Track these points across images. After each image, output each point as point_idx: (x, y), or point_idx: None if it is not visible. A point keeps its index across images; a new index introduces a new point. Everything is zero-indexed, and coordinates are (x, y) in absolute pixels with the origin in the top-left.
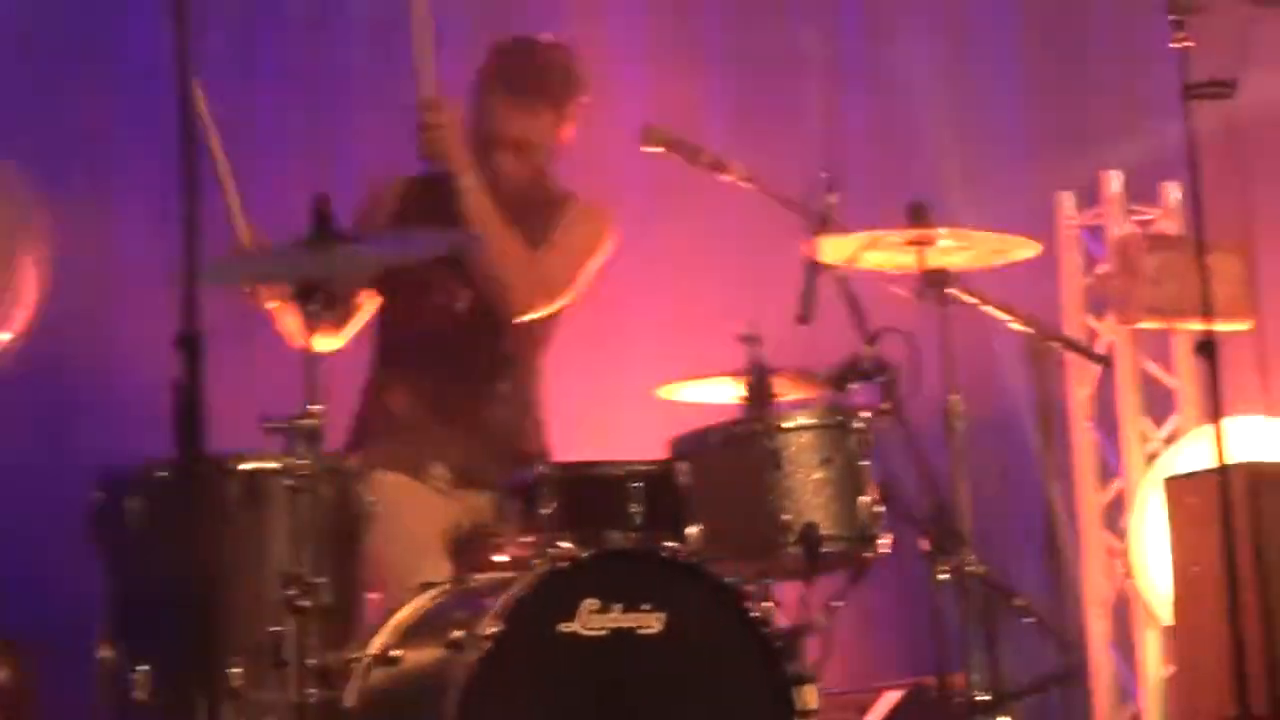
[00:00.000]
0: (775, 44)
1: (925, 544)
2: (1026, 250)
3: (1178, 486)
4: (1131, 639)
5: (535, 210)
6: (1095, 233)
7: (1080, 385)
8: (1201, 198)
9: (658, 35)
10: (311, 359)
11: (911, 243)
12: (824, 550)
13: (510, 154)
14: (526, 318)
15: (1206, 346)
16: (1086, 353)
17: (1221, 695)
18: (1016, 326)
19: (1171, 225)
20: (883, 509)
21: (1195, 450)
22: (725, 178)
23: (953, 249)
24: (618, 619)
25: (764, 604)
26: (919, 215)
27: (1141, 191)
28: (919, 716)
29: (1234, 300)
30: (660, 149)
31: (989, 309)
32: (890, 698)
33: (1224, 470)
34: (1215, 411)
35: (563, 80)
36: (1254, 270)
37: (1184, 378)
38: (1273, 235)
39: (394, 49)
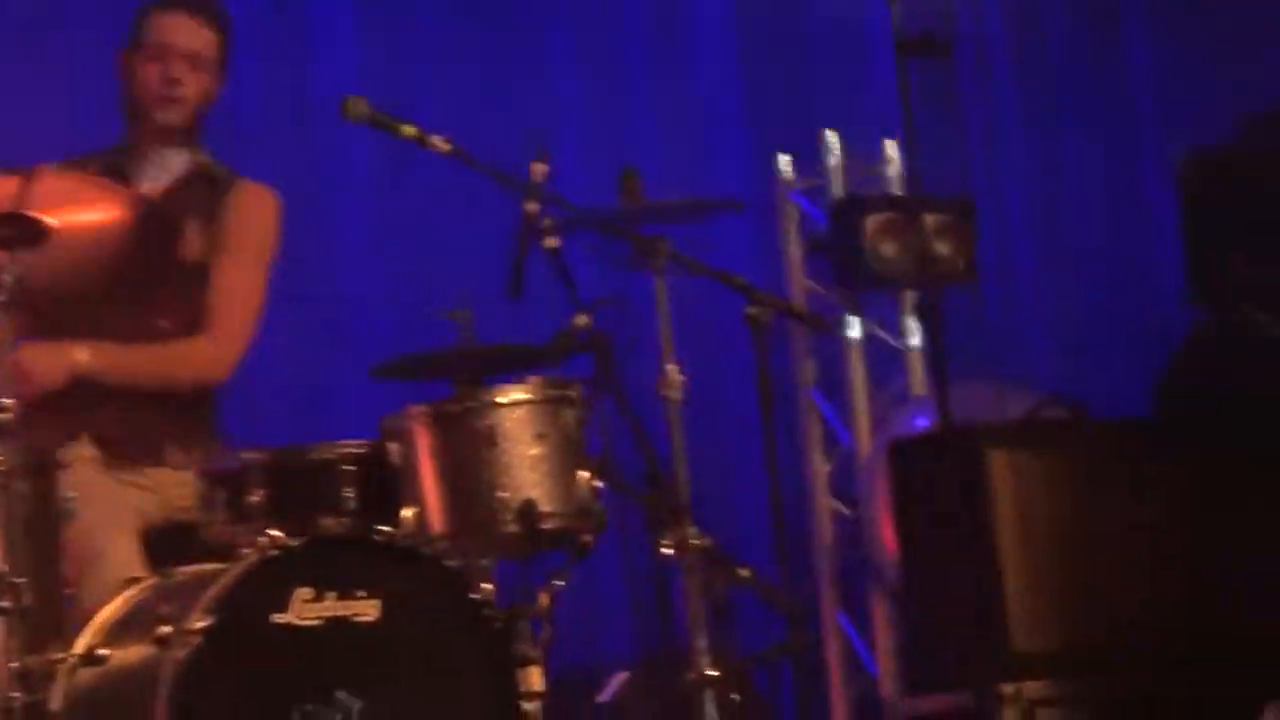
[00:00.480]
0: (484, 9)
1: (647, 518)
2: (730, 209)
3: (902, 451)
4: (864, 607)
5: (201, 191)
6: (815, 195)
7: (805, 352)
8: (919, 157)
9: (364, 4)
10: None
11: (624, 210)
12: (543, 528)
13: (182, 68)
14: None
15: (927, 305)
16: (810, 319)
17: (953, 662)
18: (738, 293)
19: (891, 185)
20: (601, 484)
21: (920, 413)
22: (432, 150)
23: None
24: (332, 607)
25: (484, 586)
26: (629, 183)
27: (860, 151)
28: (648, 695)
29: (954, 260)
30: (361, 121)
31: (708, 276)
32: (619, 677)
33: (949, 432)
34: (937, 373)
35: (222, 8)
36: (974, 229)
37: (908, 341)
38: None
39: None
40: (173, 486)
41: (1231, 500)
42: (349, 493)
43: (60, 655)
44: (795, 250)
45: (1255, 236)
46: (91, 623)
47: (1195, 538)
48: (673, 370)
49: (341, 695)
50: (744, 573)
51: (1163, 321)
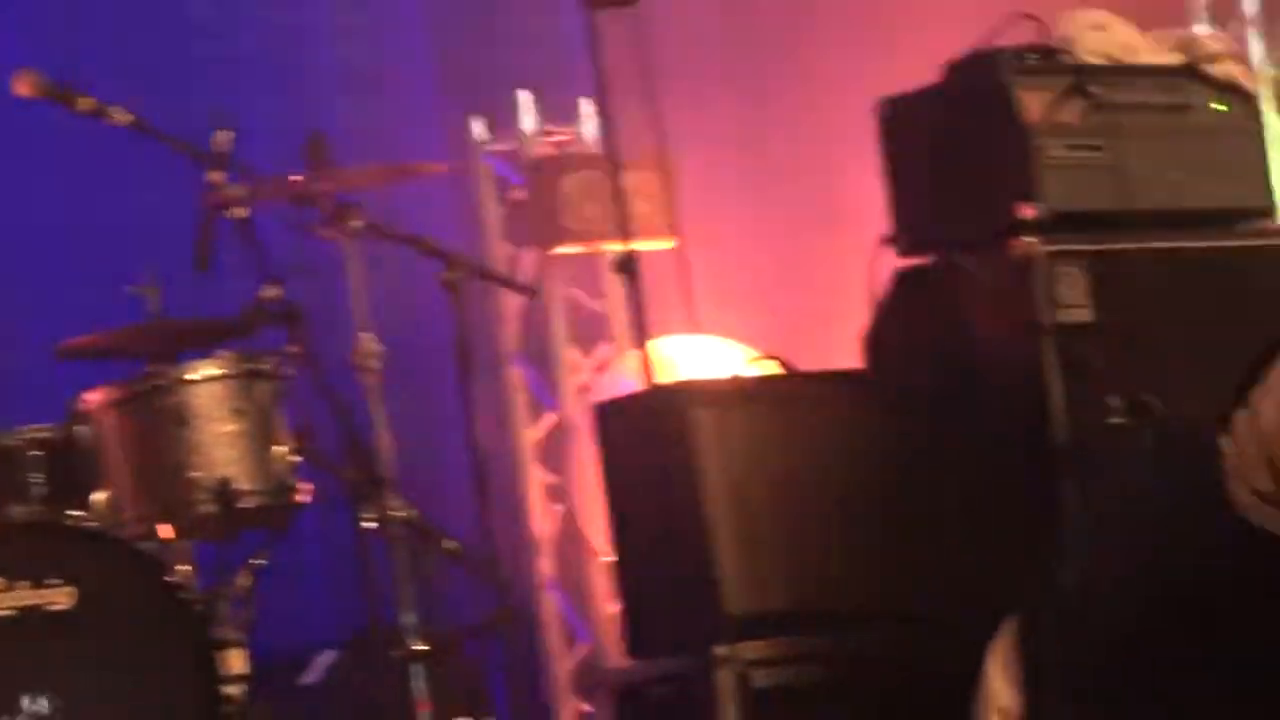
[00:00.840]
0: None
1: (348, 491)
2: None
3: (608, 414)
4: (579, 577)
5: None
6: (510, 157)
7: (506, 317)
8: (613, 114)
9: None
10: None
11: (309, 179)
12: (240, 506)
13: None
14: None
15: (626, 264)
16: (508, 283)
17: (669, 627)
18: (433, 259)
19: (587, 145)
20: (299, 458)
21: (626, 375)
22: (111, 122)
23: (355, 177)
24: (24, 596)
25: (181, 568)
26: (316, 150)
27: (556, 111)
28: (357, 673)
29: (654, 218)
30: (35, 94)
31: (403, 242)
32: (327, 655)
33: (654, 393)
34: (641, 333)
35: None
36: (673, 187)
37: (611, 303)
38: (688, 150)
39: None
40: None
41: (940, 451)
42: (37, 478)
43: None
44: (492, 213)
45: (956, 181)
46: None
47: (906, 491)
48: (368, 339)
49: (39, 686)
50: (451, 545)
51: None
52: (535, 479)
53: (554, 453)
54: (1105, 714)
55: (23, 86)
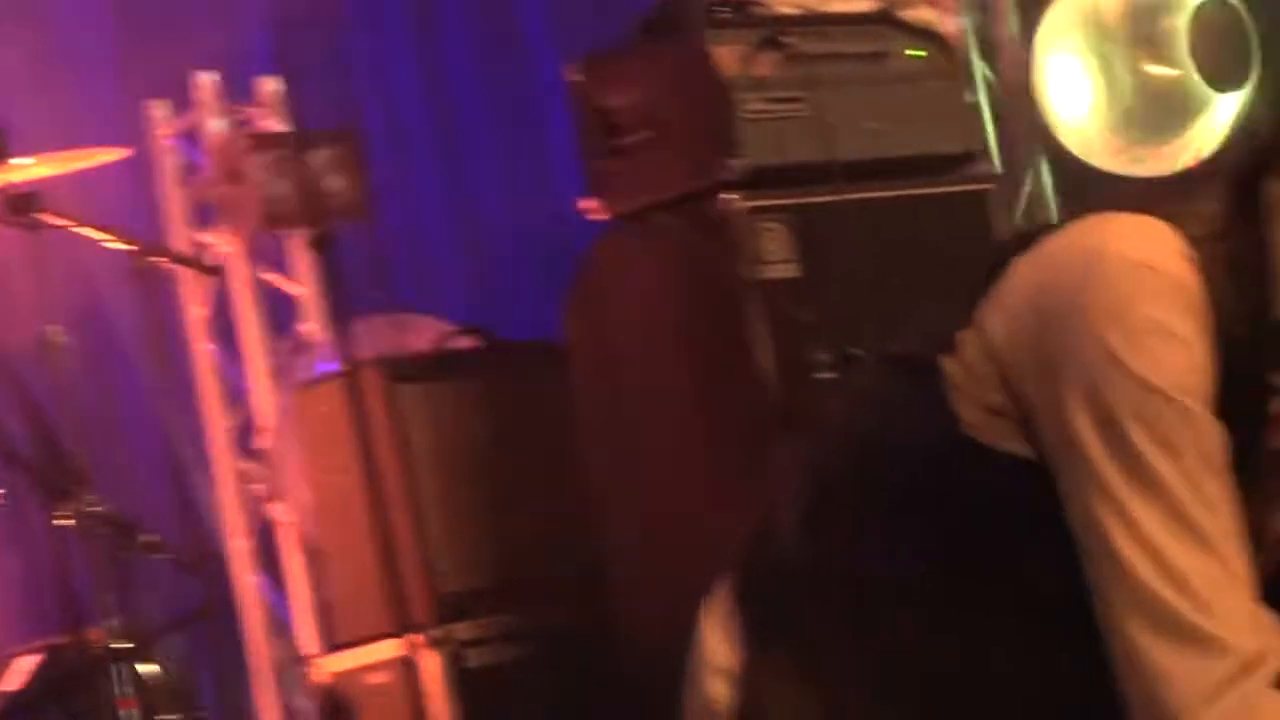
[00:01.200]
0: None
1: (40, 489)
2: (107, 157)
3: (306, 396)
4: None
5: None
6: (192, 138)
7: (194, 303)
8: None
9: None
10: None
11: None
12: None
13: None
14: None
15: (321, 241)
16: (196, 265)
17: (378, 612)
18: (117, 246)
19: (274, 122)
20: None
21: (323, 356)
22: None
23: (34, 167)
24: None
25: None
26: None
27: (239, 89)
28: (58, 678)
29: (346, 194)
30: None
31: (84, 230)
32: (24, 663)
33: (353, 372)
34: (340, 312)
35: None
36: (363, 161)
37: (305, 283)
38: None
39: None
40: None
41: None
42: None
43: None
44: (176, 196)
45: (654, 141)
46: None
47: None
48: (54, 331)
49: None
50: (150, 538)
51: (569, 240)
52: (229, 468)
53: (251, 439)
54: (828, 664)
55: None
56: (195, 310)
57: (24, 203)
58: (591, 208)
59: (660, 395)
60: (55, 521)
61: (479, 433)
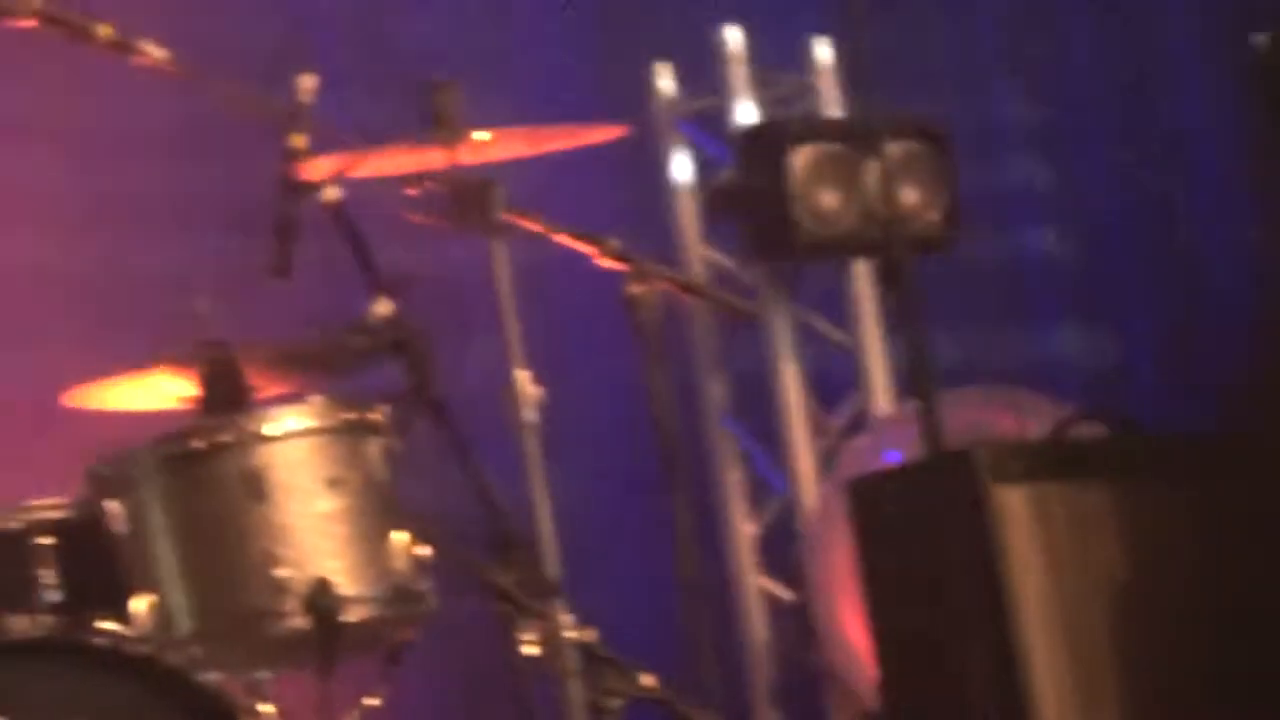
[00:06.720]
0: None
1: (497, 600)
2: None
3: (871, 496)
4: None
5: None
6: (710, 121)
7: (711, 357)
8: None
9: None
10: None
11: (432, 144)
12: (343, 620)
13: None
14: None
15: (892, 276)
16: (722, 302)
17: None
18: (606, 265)
19: (827, 103)
20: (428, 550)
21: (890, 443)
22: (138, 60)
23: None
24: None
25: (259, 709)
26: (440, 102)
27: (779, 54)
28: None
29: (928, 211)
30: (32, 20)
31: (563, 240)
32: None
33: (941, 465)
34: (921, 380)
35: None
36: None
37: (867, 335)
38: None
39: None
40: None
41: None
42: (48, 577)
43: None
44: (685, 203)
45: None
46: None
47: None
48: (524, 378)
49: None
50: (646, 681)
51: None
52: (754, 590)
53: (782, 554)
54: None
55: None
56: (711, 367)
57: (479, 196)
58: None
59: None
60: (519, 647)
61: (1114, 554)
